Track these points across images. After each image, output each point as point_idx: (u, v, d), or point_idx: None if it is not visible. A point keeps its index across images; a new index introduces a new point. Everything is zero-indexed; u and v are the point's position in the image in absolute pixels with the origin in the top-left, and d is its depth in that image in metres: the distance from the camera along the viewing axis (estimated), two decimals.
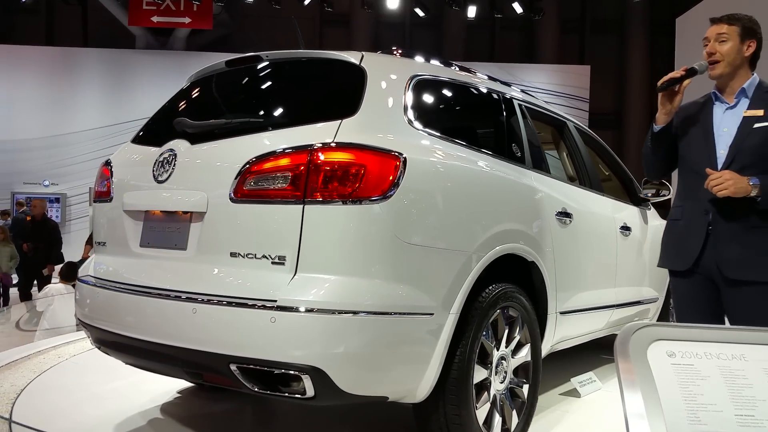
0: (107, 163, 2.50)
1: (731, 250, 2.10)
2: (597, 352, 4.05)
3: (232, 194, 1.91)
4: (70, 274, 6.59)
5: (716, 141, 2.16)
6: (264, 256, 1.83)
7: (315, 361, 1.72)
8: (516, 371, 2.41)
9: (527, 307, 2.41)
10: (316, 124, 1.94)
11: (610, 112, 15.46)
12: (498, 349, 2.28)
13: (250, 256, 1.85)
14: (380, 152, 1.87)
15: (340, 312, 1.75)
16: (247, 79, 2.45)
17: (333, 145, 1.84)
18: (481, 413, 2.17)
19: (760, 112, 2.11)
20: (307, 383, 1.75)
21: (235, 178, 1.90)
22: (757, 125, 2.10)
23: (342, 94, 2.13)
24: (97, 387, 3.17)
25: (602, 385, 3.28)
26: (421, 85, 2.25)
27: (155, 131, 2.47)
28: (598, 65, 14.94)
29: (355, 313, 1.76)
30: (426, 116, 2.19)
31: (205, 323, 1.86)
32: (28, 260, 8.16)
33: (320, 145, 1.83)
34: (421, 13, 14.24)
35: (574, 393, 3.15)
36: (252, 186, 1.88)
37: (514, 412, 2.35)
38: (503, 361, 2.31)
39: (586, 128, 3.73)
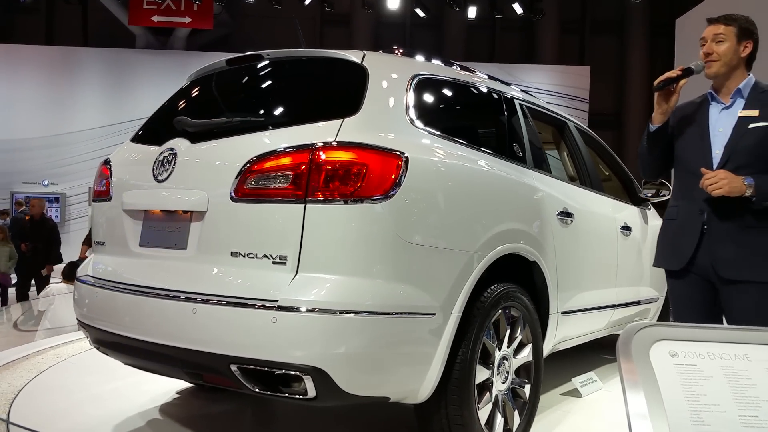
0: (106, 162, 2.48)
1: (726, 250, 2.10)
2: (597, 352, 4.05)
3: (233, 193, 1.90)
4: (72, 273, 6.58)
5: (712, 141, 2.16)
6: (265, 256, 1.82)
7: (316, 361, 1.71)
8: (518, 371, 2.40)
9: (529, 307, 2.41)
10: (317, 123, 1.93)
11: (609, 112, 15.47)
12: (500, 349, 2.27)
13: (250, 255, 1.84)
14: (382, 151, 1.86)
15: (342, 312, 1.74)
16: (248, 78, 2.45)
17: (334, 144, 1.83)
18: (483, 413, 2.16)
19: (756, 113, 2.11)
20: (309, 384, 1.74)
21: (236, 178, 1.89)
22: (752, 125, 2.10)
23: (343, 93, 2.13)
24: (96, 387, 3.16)
25: (603, 385, 3.27)
26: (422, 85, 2.25)
27: (155, 130, 2.46)
28: (598, 66, 14.96)
29: (356, 313, 1.76)
30: (427, 115, 2.19)
31: (205, 323, 1.85)
32: (26, 260, 8.14)
33: (322, 144, 1.82)
34: (421, 14, 14.24)
35: (575, 393, 3.15)
36: (253, 185, 1.87)
37: (516, 413, 2.35)
38: (505, 361, 2.31)
39: (587, 128, 3.72)
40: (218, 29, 14.64)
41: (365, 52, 2.19)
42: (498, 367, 2.26)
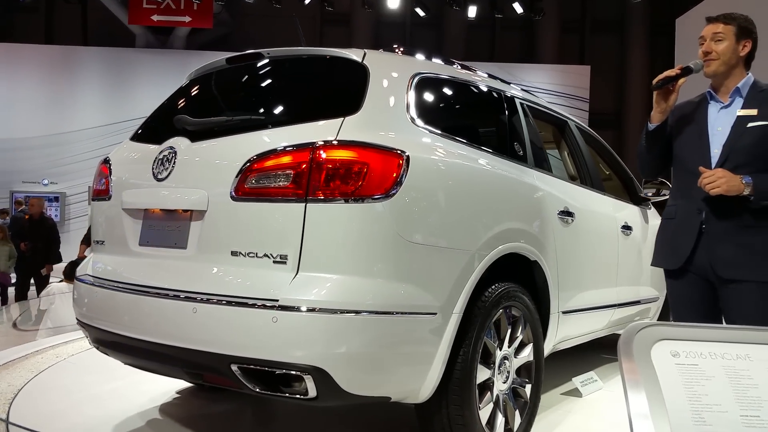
0: (106, 161, 2.48)
1: (725, 250, 2.10)
2: (597, 351, 4.05)
3: (233, 192, 1.89)
4: (73, 273, 6.57)
5: (710, 140, 2.16)
6: (265, 255, 1.81)
7: (317, 361, 1.71)
8: (518, 371, 2.40)
9: (530, 307, 2.40)
10: (318, 122, 1.92)
11: (610, 112, 15.48)
12: (501, 349, 2.27)
13: (251, 255, 1.84)
14: (383, 150, 1.85)
15: (343, 311, 1.73)
16: (248, 76, 2.44)
17: (335, 143, 1.82)
18: (484, 413, 2.15)
19: (754, 112, 2.11)
20: (309, 384, 1.73)
21: (236, 176, 1.89)
22: (750, 125, 2.10)
23: (344, 91, 2.12)
24: (96, 387, 3.16)
25: (603, 384, 3.27)
26: (423, 83, 2.24)
27: (155, 129, 2.45)
28: (598, 65, 14.96)
29: (357, 312, 1.75)
30: (428, 114, 2.18)
31: (205, 323, 1.84)
32: (25, 259, 8.13)
33: (322, 142, 1.81)
34: (421, 13, 14.24)
35: (575, 393, 3.15)
36: (253, 184, 1.86)
37: (517, 412, 2.34)
38: (506, 361, 2.30)
39: (587, 127, 3.72)
40: (218, 28, 14.64)
41: (366, 50, 2.18)
42: (499, 367, 2.25)
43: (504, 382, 2.29)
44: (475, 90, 2.62)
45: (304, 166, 1.79)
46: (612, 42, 15.77)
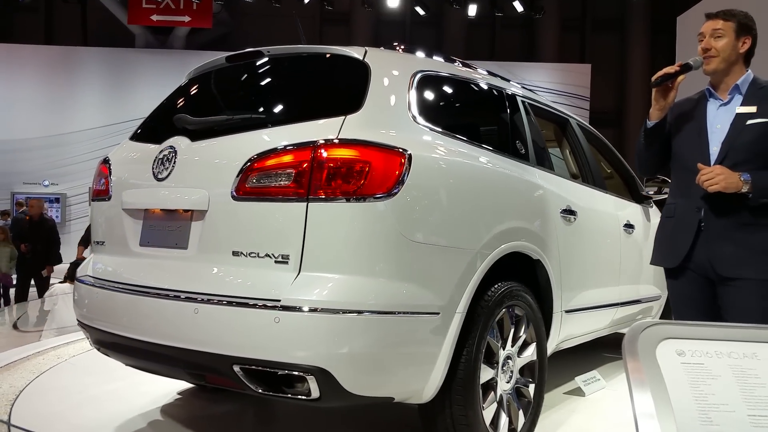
0: (106, 161, 2.46)
1: (724, 248, 2.08)
2: (600, 350, 4.04)
3: (234, 192, 1.87)
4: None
5: (709, 137, 2.14)
6: (267, 255, 1.80)
7: (320, 361, 1.70)
8: (522, 371, 2.38)
9: (533, 306, 2.39)
10: (319, 121, 1.90)
11: (610, 110, 15.47)
12: (504, 349, 2.25)
13: (252, 254, 1.82)
14: (385, 149, 1.84)
15: (345, 311, 1.72)
16: (248, 75, 2.42)
17: (337, 141, 1.80)
18: (488, 414, 2.14)
19: (753, 109, 2.09)
20: (312, 384, 1.72)
21: (237, 176, 1.87)
22: (750, 122, 2.08)
23: (345, 89, 2.10)
24: (96, 388, 3.15)
25: (606, 383, 3.26)
26: (424, 81, 2.22)
27: (154, 128, 2.44)
28: (598, 64, 14.95)
29: (359, 312, 1.73)
30: (430, 112, 2.16)
31: (207, 324, 1.83)
32: (25, 261, 8.13)
33: (324, 141, 1.80)
34: (421, 12, 14.23)
35: (578, 392, 3.13)
36: (254, 183, 1.84)
37: (521, 412, 2.33)
38: (509, 361, 2.29)
39: (589, 125, 3.71)
40: (217, 28, 14.64)
41: (367, 48, 2.17)
42: (502, 367, 2.24)
43: (507, 382, 2.28)
44: (477, 88, 2.61)
45: (305, 165, 1.78)
46: (612, 40, 15.76)
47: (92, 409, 2.83)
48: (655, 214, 3.93)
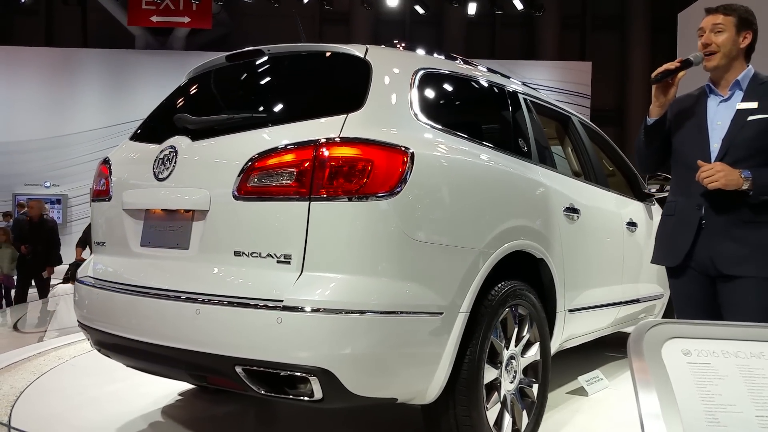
0: (106, 162, 2.45)
1: (725, 245, 2.06)
2: (602, 349, 4.02)
3: (236, 192, 1.86)
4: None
5: (710, 134, 2.12)
6: (269, 255, 1.78)
7: (323, 362, 1.68)
8: (525, 370, 2.37)
9: (536, 305, 2.37)
10: (320, 119, 1.89)
11: (611, 108, 15.45)
12: (507, 348, 2.24)
13: (254, 254, 1.81)
14: (387, 147, 1.82)
15: (348, 312, 1.71)
16: (248, 74, 2.41)
17: (338, 140, 1.79)
18: (492, 414, 2.13)
19: (754, 105, 2.07)
20: (315, 385, 1.71)
21: (238, 175, 1.86)
22: (750, 118, 2.06)
23: (346, 88, 2.09)
24: (97, 390, 3.14)
25: (609, 383, 3.25)
26: (426, 79, 2.21)
27: (155, 128, 2.43)
28: (599, 62, 14.93)
29: (362, 312, 1.72)
30: (432, 110, 2.15)
31: (209, 324, 1.81)
32: (26, 262, 8.13)
33: (325, 140, 1.78)
34: (421, 11, 14.21)
35: (581, 392, 3.12)
36: (256, 183, 1.83)
37: (524, 412, 2.31)
38: (513, 361, 2.27)
39: (590, 123, 3.69)
40: (217, 29, 14.63)
41: (368, 46, 2.15)
42: (506, 367, 2.22)
43: (511, 382, 2.26)
44: (478, 85, 2.59)
45: (307, 164, 1.77)
46: (613, 38, 15.73)
47: (93, 410, 2.82)
48: (658, 212, 3.91)
